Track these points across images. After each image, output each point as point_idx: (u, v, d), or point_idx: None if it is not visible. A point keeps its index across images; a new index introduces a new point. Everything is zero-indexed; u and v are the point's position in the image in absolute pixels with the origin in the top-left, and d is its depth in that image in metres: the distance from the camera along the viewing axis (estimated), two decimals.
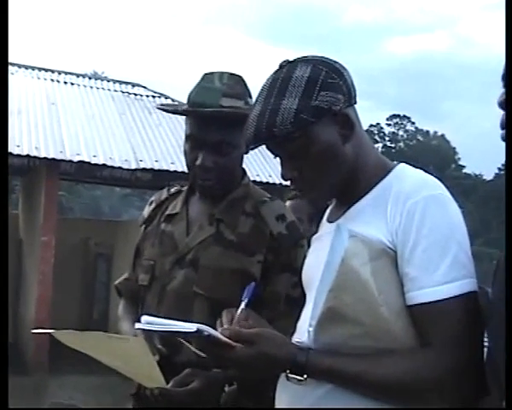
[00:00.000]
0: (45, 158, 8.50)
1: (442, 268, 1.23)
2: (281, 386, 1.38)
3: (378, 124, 59.30)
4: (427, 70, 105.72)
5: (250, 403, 1.72)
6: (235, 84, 1.82)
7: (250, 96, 1.81)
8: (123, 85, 12.18)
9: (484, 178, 51.76)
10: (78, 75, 12.23)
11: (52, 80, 11.35)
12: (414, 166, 1.39)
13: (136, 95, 11.80)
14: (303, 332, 1.35)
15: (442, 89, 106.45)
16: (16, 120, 8.95)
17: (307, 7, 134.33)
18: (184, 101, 1.87)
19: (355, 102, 1.39)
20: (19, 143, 8.48)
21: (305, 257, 1.55)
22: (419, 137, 60.29)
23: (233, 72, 1.85)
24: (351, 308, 1.26)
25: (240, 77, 1.85)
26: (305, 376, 1.27)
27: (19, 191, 13.91)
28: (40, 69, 11.70)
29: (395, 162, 1.42)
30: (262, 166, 9.79)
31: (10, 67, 10.55)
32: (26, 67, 11.53)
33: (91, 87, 11.65)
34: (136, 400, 1.86)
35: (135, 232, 2.06)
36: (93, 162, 8.76)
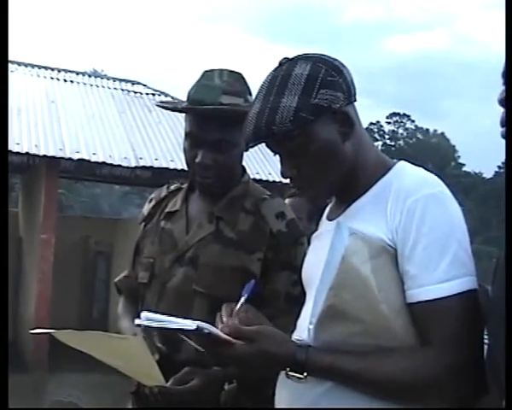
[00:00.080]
0: (45, 156, 8.50)
1: (442, 266, 1.23)
2: (280, 384, 1.38)
3: (378, 122, 59.33)
4: (427, 68, 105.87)
5: (249, 402, 1.72)
6: (235, 81, 1.81)
7: (250, 94, 1.81)
8: (122, 83, 12.18)
9: (484, 176, 51.77)
10: (77, 73, 12.22)
11: (52, 78, 11.35)
12: (414, 164, 1.39)
13: (135, 93, 11.80)
14: (303, 330, 1.35)
15: (442, 87, 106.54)
16: (16, 118, 8.94)
17: (307, 4, 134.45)
18: (184, 99, 1.87)
19: (355, 100, 1.39)
20: (18, 141, 8.48)
21: (304, 255, 1.55)
22: (419, 136, 60.31)
23: (233, 69, 1.85)
24: (351, 306, 1.26)
25: (240, 74, 1.85)
26: (305, 374, 1.27)
27: (18, 189, 13.91)
28: (40, 67, 11.69)
29: (395, 160, 1.42)
30: (262, 164, 9.79)
31: (10, 65, 10.54)
32: (26, 65, 11.52)
33: (91, 85, 11.64)
34: (136, 398, 1.86)
35: (134, 230, 2.06)
36: (93, 160, 8.76)
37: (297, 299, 1.57)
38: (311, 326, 1.31)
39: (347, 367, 1.25)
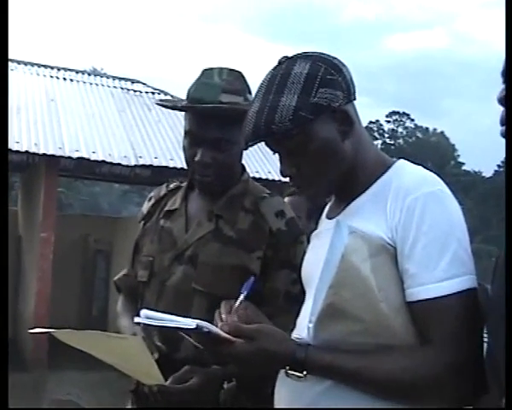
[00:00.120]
0: (44, 154, 8.50)
1: (442, 265, 1.23)
2: (280, 382, 1.38)
3: (377, 121, 59.34)
4: (427, 67, 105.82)
5: (249, 400, 1.72)
6: (235, 80, 1.81)
7: (249, 92, 1.81)
8: (122, 82, 12.18)
9: (483, 175, 51.77)
10: (77, 72, 12.23)
11: (51, 77, 11.35)
12: (413, 163, 1.39)
13: (135, 91, 11.80)
14: (302, 329, 1.35)
15: (441, 86, 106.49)
16: (15, 117, 8.94)
17: (307, 3, 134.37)
18: (184, 97, 1.87)
19: (354, 99, 1.39)
20: (18, 140, 8.48)
21: (304, 254, 1.55)
22: (418, 134, 60.30)
23: (232, 68, 1.85)
24: (350, 305, 1.26)
25: (239, 73, 1.85)
26: (305, 372, 1.27)
27: (18, 188, 13.91)
28: (39, 66, 11.69)
29: (394, 159, 1.42)
30: (261, 162, 9.79)
31: (9, 64, 10.53)
32: (26, 64, 11.52)
33: (90, 84, 11.65)
34: (135, 397, 1.86)
35: (134, 229, 2.05)
36: (92, 159, 8.76)
37: (296, 297, 1.57)
38: (311, 325, 1.31)
39: (347, 366, 1.25)
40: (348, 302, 1.26)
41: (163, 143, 9.79)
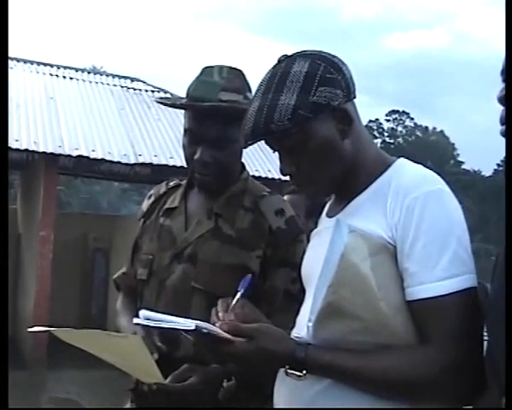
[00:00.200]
0: (44, 152, 8.48)
1: (442, 264, 1.23)
2: (279, 381, 1.38)
3: (377, 119, 59.40)
4: (426, 66, 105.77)
5: (248, 399, 1.72)
6: (235, 78, 1.81)
7: (249, 91, 1.80)
8: (122, 80, 12.16)
9: (483, 174, 51.83)
10: (76, 70, 12.20)
11: (51, 75, 11.32)
12: (413, 162, 1.38)
13: (135, 89, 11.78)
14: (302, 327, 1.35)
15: (441, 85, 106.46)
16: (15, 115, 8.92)
17: (306, 2, 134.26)
18: (183, 96, 1.86)
19: (354, 97, 1.38)
20: (17, 138, 8.46)
21: (304, 252, 1.55)
22: (418, 133, 60.36)
23: (233, 66, 1.84)
24: (350, 303, 1.26)
25: (239, 71, 1.84)
26: (304, 372, 1.27)
27: (17, 186, 13.89)
28: (39, 63, 11.67)
29: (394, 157, 1.42)
30: (261, 161, 9.78)
31: (9, 62, 10.52)
32: (25, 62, 11.49)
33: (90, 82, 11.62)
34: (135, 395, 1.86)
35: (133, 227, 2.05)
36: (92, 157, 8.74)
37: (296, 296, 1.57)
38: (310, 324, 1.31)
39: (347, 365, 1.25)
40: (348, 301, 1.26)
41: (163, 141, 9.78)
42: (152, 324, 1.40)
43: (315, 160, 1.35)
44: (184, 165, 1.90)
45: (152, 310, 1.48)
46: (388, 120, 60.13)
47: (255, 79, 1.43)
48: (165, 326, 1.37)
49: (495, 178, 44.65)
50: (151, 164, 9.06)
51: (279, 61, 1.37)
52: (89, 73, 12.67)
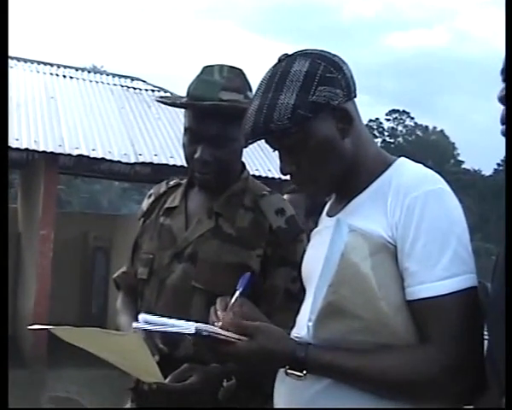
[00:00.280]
0: (44, 152, 8.48)
1: (442, 263, 1.23)
2: (279, 380, 1.38)
3: (377, 119, 59.40)
4: (426, 65, 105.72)
5: (248, 398, 1.72)
6: (235, 77, 1.81)
7: (250, 90, 1.80)
8: (122, 79, 12.15)
9: (483, 173, 51.78)
10: (77, 69, 12.19)
11: (51, 74, 11.31)
12: (413, 161, 1.38)
13: (135, 89, 11.77)
14: (302, 327, 1.35)
15: (441, 84, 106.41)
16: (15, 114, 8.92)
17: (306, 0, 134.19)
18: (184, 95, 1.86)
19: (354, 96, 1.38)
20: (18, 137, 8.46)
21: (304, 251, 1.55)
22: (418, 133, 60.35)
23: (233, 65, 1.84)
24: (350, 303, 1.26)
25: (240, 70, 1.84)
26: (305, 372, 1.27)
27: (17, 185, 13.89)
28: (39, 63, 11.66)
29: (395, 157, 1.41)
30: (261, 160, 9.78)
31: (9, 61, 10.52)
32: (26, 61, 11.49)
33: (90, 81, 11.62)
34: (135, 394, 1.86)
35: (133, 226, 2.05)
36: (92, 156, 8.74)
37: (296, 295, 1.57)
38: (310, 323, 1.30)
39: (347, 364, 1.25)
40: (348, 300, 1.26)
41: (163, 140, 9.77)
42: (151, 328, 1.40)
43: (315, 159, 1.35)
44: (184, 164, 1.90)
45: (152, 313, 1.48)
46: (388, 120, 60.14)
47: (255, 78, 1.43)
48: (165, 330, 1.37)
49: (495, 178, 44.63)
50: (151, 163, 9.05)
51: (279, 60, 1.37)
52: (89, 72, 12.66)
